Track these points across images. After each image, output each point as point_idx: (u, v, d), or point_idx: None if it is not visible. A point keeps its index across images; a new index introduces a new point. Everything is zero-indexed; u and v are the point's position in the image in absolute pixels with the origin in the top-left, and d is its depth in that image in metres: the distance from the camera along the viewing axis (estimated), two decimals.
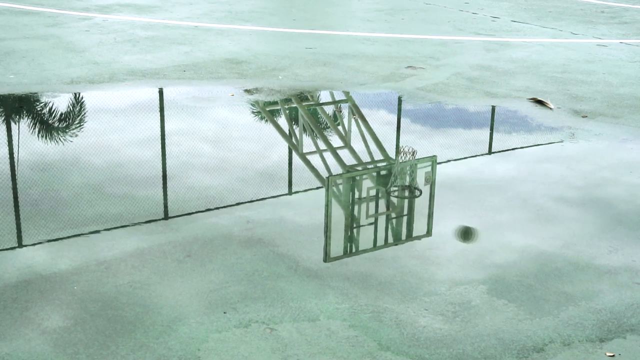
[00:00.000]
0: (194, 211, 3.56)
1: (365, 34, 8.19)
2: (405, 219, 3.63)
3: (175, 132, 4.74)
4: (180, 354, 2.46)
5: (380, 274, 3.01)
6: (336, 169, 4.23)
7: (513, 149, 4.63)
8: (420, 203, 3.75)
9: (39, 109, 5.24)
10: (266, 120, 5.16)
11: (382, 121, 5.20)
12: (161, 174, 4.08)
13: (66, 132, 4.73)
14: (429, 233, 3.42)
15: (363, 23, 8.93)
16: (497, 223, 3.54)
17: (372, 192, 3.95)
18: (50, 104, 5.26)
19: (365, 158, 4.41)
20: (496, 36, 8.22)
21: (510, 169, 4.30)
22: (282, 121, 5.13)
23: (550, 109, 5.43)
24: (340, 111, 5.39)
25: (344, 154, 4.45)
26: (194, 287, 2.87)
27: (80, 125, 4.88)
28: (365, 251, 3.24)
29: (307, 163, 4.33)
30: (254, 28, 8.35)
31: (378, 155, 4.46)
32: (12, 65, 6.25)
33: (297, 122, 5.14)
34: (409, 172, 4.21)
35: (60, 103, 5.28)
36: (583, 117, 5.25)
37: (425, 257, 3.17)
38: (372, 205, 3.79)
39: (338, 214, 3.61)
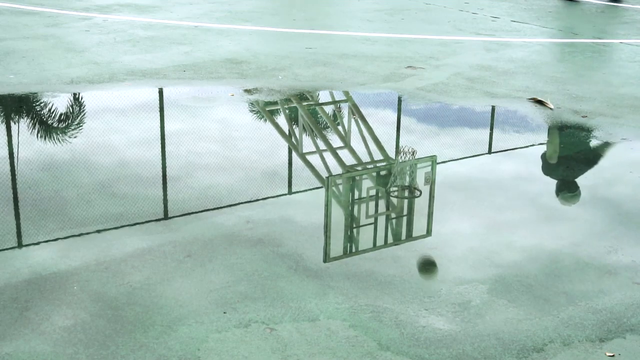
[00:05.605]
0: (194, 211, 3.56)
1: (365, 34, 8.19)
2: (405, 219, 3.63)
3: (175, 132, 4.74)
4: (180, 354, 2.46)
5: (380, 274, 3.02)
6: (336, 169, 4.23)
7: (513, 149, 4.63)
8: (421, 203, 3.75)
9: (39, 109, 5.24)
10: (266, 120, 5.15)
11: (382, 121, 5.20)
12: (161, 173, 4.08)
13: (66, 132, 4.73)
14: (429, 233, 3.42)
15: (363, 23, 8.93)
16: (497, 223, 3.54)
17: (372, 192, 3.95)
18: (50, 104, 5.26)
19: (365, 158, 4.41)
20: (496, 36, 8.22)
21: (510, 168, 4.30)
22: (282, 121, 5.13)
23: (550, 109, 5.43)
24: (340, 111, 5.39)
25: (344, 154, 4.45)
26: (194, 287, 2.87)
27: (80, 125, 4.88)
28: (365, 251, 3.24)
29: (307, 163, 4.33)
30: (254, 28, 8.35)
31: (378, 155, 4.46)
32: (12, 65, 6.24)
33: (297, 122, 5.14)
34: (408, 172, 4.21)
35: (60, 103, 5.28)
36: (583, 117, 5.25)
37: (425, 257, 3.17)
38: (372, 205, 3.79)
39: (338, 214, 3.61)
